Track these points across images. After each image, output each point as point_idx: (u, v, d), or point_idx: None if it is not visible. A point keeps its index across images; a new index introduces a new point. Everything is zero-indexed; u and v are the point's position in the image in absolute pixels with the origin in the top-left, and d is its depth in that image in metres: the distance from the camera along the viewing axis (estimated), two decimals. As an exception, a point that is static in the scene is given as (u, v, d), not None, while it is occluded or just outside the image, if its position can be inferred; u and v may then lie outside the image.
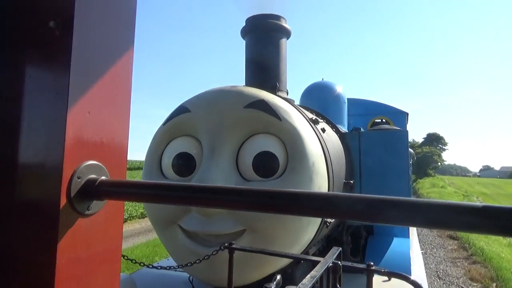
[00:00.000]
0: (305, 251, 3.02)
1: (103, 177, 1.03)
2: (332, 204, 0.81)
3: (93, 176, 1.01)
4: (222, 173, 2.50)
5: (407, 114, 7.81)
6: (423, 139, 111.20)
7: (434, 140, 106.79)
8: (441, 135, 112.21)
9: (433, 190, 40.81)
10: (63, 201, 0.94)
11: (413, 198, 0.78)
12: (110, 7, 1.09)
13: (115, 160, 1.10)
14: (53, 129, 0.96)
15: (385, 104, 7.78)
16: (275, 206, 0.89)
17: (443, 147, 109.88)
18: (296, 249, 2.71)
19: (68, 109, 0.95)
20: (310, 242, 2.96)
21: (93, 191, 0.99)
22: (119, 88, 1.11)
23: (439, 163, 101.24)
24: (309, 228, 2.74)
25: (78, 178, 0.98)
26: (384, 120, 7.52)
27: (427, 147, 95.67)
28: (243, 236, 2.50)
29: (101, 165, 1.05)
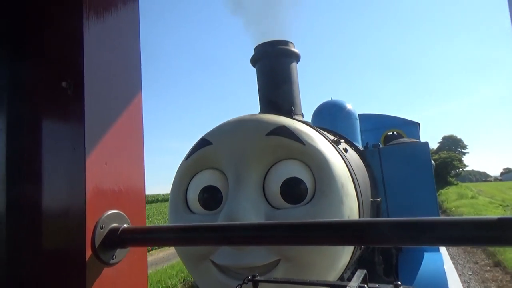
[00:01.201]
0: (341, 277, 2.93)
1: (124, 225, 1.05)
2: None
3: (115, 224, 1.04)
4: (250, 203, 2.46)
5: (419, 124, 7.74)
6: (438, 144, 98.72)
7: (452, 144, 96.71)
8: (458, 137, 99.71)
9: (462, 203, 31.43)
10: (89, 252, 0.96)
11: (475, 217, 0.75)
12: (116, 59, 1.14)
13: (135, 207, 1.13)
14: (74, 183, 1.00)
15: (395, 117, 7.74)
16: (314, 238, 0.89)
17: (463, 150, 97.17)
18: (333, 275, 2.62)
19: (86, 163, 0.99)
20: (346, 267, 2.88)
21: (116, 239, 1.01)
22: (131, 136, 1.15)
23: (461, 169, 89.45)
24: (344, 251, 2.66)
25: (101, 228, 1.00)
26: (396, 133, 7.47)
27: (445, 152, 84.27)
28: (277, 266, 2.43)
29: (122, 213, 1.07)
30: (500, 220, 0.65)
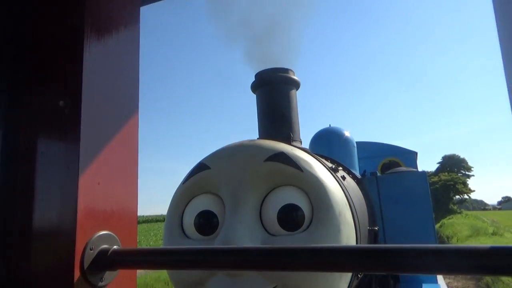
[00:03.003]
0: None
1: (115, 247, 1.04)
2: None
3: (105, 246, 1.03)
4: (247, 229, 2.43)
5: (416, 153, 7.78)
6: (438, 165, 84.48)
7: (454, 165, 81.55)
8: (461, 157, 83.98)
9: (482, 242, 21.55)
10: (77, 274, 0.95)
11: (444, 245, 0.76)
12: (115, 80, 1.15)
13: (126, 229, 1.11)
14: (65, 202, 0.99)
15: (393, 145, 7.78)
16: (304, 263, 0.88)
17: (467, 172, 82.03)
18: None
19: (79, 182, 0.98)
20: None
21: (105, 261, 1.00)
22: (126, 157, 1.15)
23: (466, 195, 74.61)
24: (341, 282, 2.62)
25: (91, 249, 0.99)
26: (393, 161, 7.48)
27: (446, 173, 70.26)
28: None
29: (113, 234, 1.06)
30: None
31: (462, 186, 68.82)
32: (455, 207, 61.75)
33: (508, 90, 0.83)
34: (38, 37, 1.14)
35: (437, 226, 32.87)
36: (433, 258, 0.75)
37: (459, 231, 28.15)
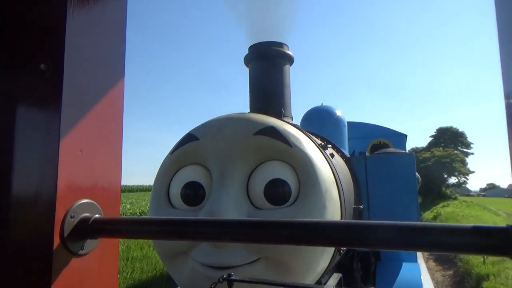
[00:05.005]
0: (318, 281, 2.93)
1: (96, 215, 1.02)
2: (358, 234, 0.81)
3: (86, 214, 1.01)
4: (233, 202, 2.44)
5: (406, 136, 7.82)
6: (431, 138, 64.42)
7: (450, 140, 61.62)
8: (460, 130, 63.51)
9: None
10: (56, 241, 0.94)
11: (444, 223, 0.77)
12: (100, 45, 1.11)
13: (109, 198, 1.10)
14: (45, 170, 0.97)
15: (383, 127, 7.80)
16: (289, 237, 0.88)
17: (466, 149, 61.88)
18: (311, 278, 2.62)
19: (60, 149, 0.96)
20: (324, 271, 2.88)
21: (86, 230, 0.99)
22: (110, 125, 1.12)
23: (463, 177, 56.26)
24: (323, 256, 2.67)
25: (71, 217, 0.97)
26: (382, 143, 7.53)
27: (440, 149, 53.99)
28: (258, 263, 2.42)
29: (95, 203, 1.05)
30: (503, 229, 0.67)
31: (461, 165, 52.62)
32: (448, 191, 48.85)
33: (504, 87, 0.82)
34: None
35: (430, 216, 26.92)
36: (405, 235, 0.77)
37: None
